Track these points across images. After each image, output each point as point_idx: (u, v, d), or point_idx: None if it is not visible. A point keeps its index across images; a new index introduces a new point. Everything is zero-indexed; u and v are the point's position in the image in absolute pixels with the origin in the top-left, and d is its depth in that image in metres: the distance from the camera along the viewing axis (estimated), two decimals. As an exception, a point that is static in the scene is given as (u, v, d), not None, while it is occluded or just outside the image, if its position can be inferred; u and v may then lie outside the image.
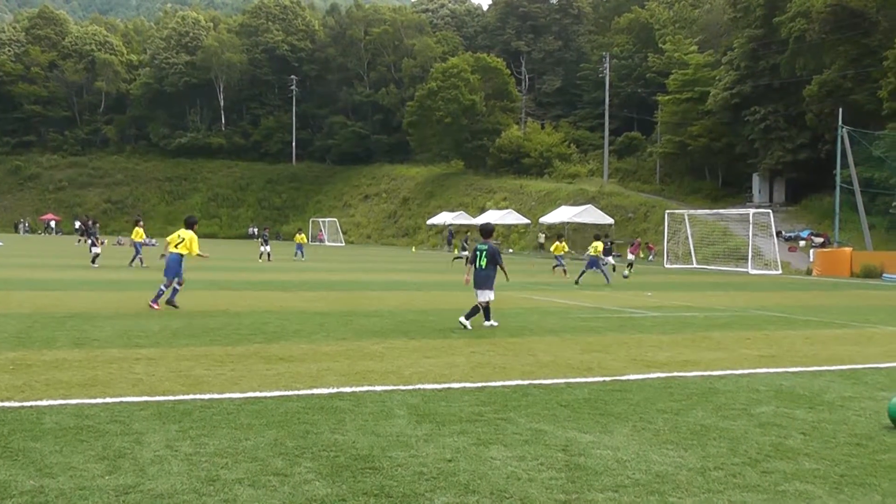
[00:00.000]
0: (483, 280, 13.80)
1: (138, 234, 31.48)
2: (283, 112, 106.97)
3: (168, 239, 16.45)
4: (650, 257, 50.09)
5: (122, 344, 10.81)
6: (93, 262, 30.78)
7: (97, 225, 33.10)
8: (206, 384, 8.15)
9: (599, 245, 27.68)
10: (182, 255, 15.98)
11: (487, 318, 13.91)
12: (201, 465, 5.39)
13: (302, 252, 43.37)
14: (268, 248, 40.93)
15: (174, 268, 15.88)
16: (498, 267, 13.82)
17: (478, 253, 13.84)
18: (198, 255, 16.38)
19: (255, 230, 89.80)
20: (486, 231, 14.32)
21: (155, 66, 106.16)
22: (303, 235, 44.59)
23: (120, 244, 58.53)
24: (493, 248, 13.84)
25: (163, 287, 15.92)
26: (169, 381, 8.24)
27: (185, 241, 16.04)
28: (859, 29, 48.74)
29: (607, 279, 27.29)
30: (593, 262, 27.38)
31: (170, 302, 15.77)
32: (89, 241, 32.21)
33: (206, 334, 11.96)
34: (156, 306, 15.40)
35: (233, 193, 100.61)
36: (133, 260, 31.30)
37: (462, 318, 13.67)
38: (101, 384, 8.02)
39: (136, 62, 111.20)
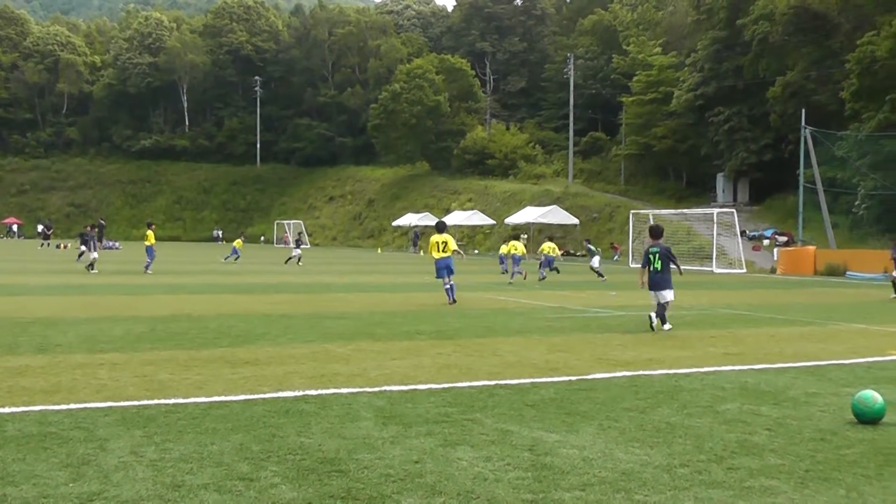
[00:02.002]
0: (661, 281, 13.81)
1: (150, 237, 30.00)
2: (248, 113, 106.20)
3: (430, 250, 19.28)
4: (615, 257, 50.36)
5: (86, 349, 10.66)
6: (91, 267, 29.34)
7: (94, 230, 31.79)
8: (170, 389, 8.07)
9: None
10: (450, 256, 18.85)
11: (664, 321, 13.82)
12: (166, 470, 5.34)
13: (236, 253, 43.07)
14: (299, 251, 41.08)
15: (445, 268, 18.65)
16: (673, 265, 13.96)
17: (651, 255, 13.88)
18: (454, 251, 19.14)
19: (220, 233, 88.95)
20: (657, 232, 14.32)
21: (118, 67, 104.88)
22: (239, 241, 44.96)
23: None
24: (666, 248, 13.95)
25: (447, 287, 18.44)
26: (133, 387, 8.15)
27: (447, 243, 18.85)
28: (822, 31, 49.26)
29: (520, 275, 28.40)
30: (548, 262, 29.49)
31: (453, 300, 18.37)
32: (83, 247, 30.80)
33: (170, 339, 11.84)
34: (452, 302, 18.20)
35: (197, 196, 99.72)
36: (148, 266, 29.71)
37: (655, 324, 13.71)
38: (64, 390, 7.92)
39: (99, 63, 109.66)
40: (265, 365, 9.63)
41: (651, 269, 13.89)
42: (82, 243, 31.10)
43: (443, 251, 18.82)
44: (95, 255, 30.17)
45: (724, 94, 56.16)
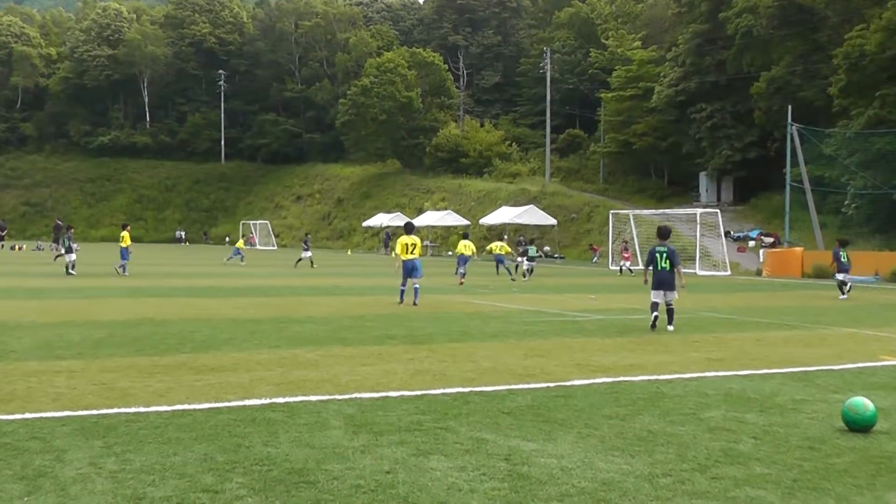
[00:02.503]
0: (668, 281, 14.30)
1: (125, 239, 29.58)
2: (211, 109, 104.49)
3: (397, 251, 19.46)
4: (594, 259, 50.24)
5: (42, 356, 10.45)
6: (71, 269, 28.66)
7: (72, 230, 31.02)
8: (131, 397, 7.92)
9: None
10: (418, 258, 19.18)
11: (670, 323, 14.44)
12: (127, 482, 5.23)
13: (239, 254, 42.90)
14: (309, 253, 40.82)
15: (413, 270, 18.98)
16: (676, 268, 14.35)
17: (657, 255, 14.36)
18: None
19: (183, 234, 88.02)
20: (664, 233, 14.79)
21: (75, 60, 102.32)
22: (241, 241, 44.88)
23: (39, 249, 56.92)
24: (672, 250, 14.47)
25: (414, 287, 18.99)
26: (92, 395, 7.99)
27: (416, 245, 19.33)
28: (808, 24, 48.62)
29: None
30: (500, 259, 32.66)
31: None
32: (62, 249, 29.93)
33: (131, 344, 11.61)
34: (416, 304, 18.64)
35: (159, 195, 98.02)
36: (124, 268, 29.23)
37: (657, 322, 14.27)
38: (19, 399, 7.78)
39: (55, 55, 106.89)
40: (230, 371, 9.49)
41: (658, 268, 14.28)
42: (61, 244, 30.17)
43: (411, 252, 19.14)
44: (73, 256, 29.64)
45: (706, 90, 55.33)
